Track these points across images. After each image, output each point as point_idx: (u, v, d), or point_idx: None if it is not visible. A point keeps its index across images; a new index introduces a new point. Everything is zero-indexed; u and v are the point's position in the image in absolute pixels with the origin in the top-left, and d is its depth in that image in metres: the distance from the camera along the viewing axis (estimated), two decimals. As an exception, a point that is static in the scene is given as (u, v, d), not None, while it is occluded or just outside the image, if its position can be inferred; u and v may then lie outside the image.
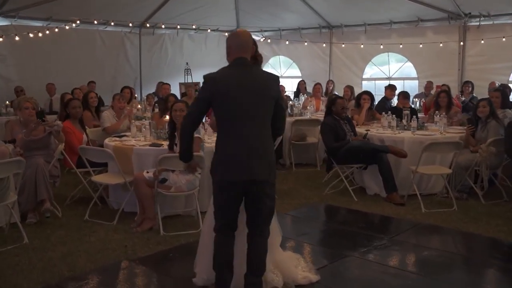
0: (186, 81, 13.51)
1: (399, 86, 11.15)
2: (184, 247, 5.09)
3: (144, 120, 8.00)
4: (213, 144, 5.76)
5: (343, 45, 12.87)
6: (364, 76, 13.43)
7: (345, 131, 7.06)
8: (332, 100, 7.41)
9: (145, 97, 10.84)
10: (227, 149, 3.59)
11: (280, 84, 3.80)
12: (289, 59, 14.98)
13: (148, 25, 12.74)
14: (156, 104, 9.46)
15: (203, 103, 3.65)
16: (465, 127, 7.25)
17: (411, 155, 6.66)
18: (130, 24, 12.43)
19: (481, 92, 10.61)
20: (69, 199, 6.64)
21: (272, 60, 15.41)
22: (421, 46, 11.46)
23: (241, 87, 3.53)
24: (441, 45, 11.22)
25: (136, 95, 11.40)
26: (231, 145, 3.57)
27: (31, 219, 5.72)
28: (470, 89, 10.64)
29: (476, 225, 5.70)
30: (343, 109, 7.23)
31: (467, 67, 11.44)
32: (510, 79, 11.06)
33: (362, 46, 12.54)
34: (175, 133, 5.70)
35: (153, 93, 11.58)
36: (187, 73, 13.67)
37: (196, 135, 5.49)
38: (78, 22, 11.31)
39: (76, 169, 6.46)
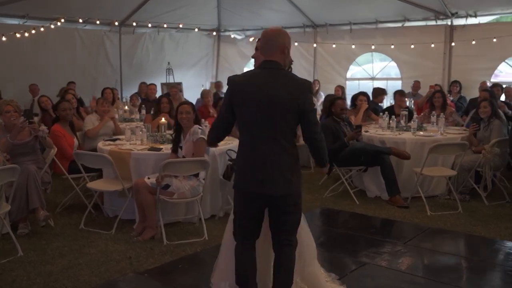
0: (168, 81, 13.16)
1: (383, 86, 10.96)
2: (191, 257, 4.83)
3: (136, 122, 7.68)
4: (223, 147, 5.61)
5: (333, 45, 12.68)
6: (346, 76, 13.31)
7: (345, 133, 6.87)
8: (331, 101, 7.22)
9: (129, 98, 10.44)
10: (243, 159, 3.37)
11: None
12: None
13: (134, 23, 12.33)
14: (143, 106, 9.13)
15: (226, 108, 3.35)
16: (462, 127, 7.17)
17: (413, 156, 6.54)
18: (116, 23, 12.01)
19: (468, 92, 10.62)
20: (60, 207, 6.29)
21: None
22: (412, 46, 11.35)
23: (260, 95, 3.19)
24: (432, 45, 11.14)
25: (119, 96, 11.00)
26: (246, 156, 3.34)
27: (23, 229, 5.35)
28: (458, 89, 10.62)
29: (486, 229, 5.59)
30: (342, 110, 7.05)
31: (452, 67, 11.42)
32: (492, 80, 11.05)
33: (353, 46, 12.36)
34: (181, 136, 5.43)
35: (136, 93, 11.20)
36: (168, 73, 13.32)
37: (200, 136, 5.25)
38: (62, 21, 10.84)
39: (68, 175, 6.13)
